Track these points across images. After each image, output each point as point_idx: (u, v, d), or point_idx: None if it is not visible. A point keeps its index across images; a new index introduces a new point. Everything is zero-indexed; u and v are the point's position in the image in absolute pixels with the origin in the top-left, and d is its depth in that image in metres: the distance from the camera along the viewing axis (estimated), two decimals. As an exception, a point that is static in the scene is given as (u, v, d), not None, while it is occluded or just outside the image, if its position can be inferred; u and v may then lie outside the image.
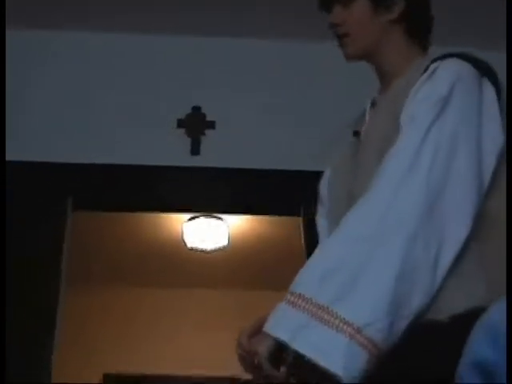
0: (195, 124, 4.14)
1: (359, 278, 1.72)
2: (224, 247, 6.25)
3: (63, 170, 3.97)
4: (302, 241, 3.99)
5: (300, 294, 1.74)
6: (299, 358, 1.71)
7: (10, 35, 4.00)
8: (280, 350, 1.75)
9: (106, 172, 4.00)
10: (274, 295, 5.84)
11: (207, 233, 6.08)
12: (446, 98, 1.87)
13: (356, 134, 2.19)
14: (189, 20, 4.13)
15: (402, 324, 1.72)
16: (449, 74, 1.92)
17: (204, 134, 4.13)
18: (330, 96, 4.13)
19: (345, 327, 1.66)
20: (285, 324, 1.74)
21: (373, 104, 2.20)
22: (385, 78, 2.18)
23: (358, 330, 1.66)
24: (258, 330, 1.85)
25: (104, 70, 4.21)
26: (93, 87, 4.17)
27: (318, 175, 3.81)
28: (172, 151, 4.08)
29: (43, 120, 4.06)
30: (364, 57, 2.20)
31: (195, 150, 4.11)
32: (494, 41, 3.41)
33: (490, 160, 1.88)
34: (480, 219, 1.84)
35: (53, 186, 3.97)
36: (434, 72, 1.94)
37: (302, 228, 4.03)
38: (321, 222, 2.44)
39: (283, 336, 1.72)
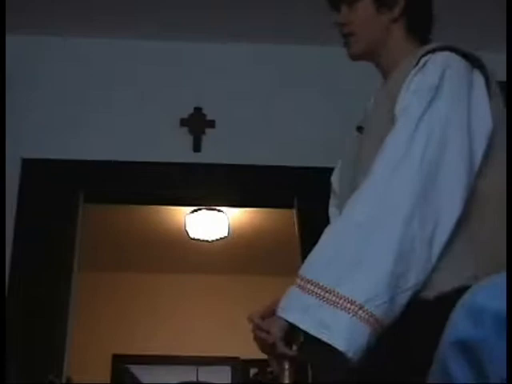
0: (197, 123, 4.13)
1: (360, 261, 1.74)
2: (224, 237, 6.24)
3: (75, 167, 3.97)
4: (296, 231, 4.00)
5: (308, 279, 1.76)
6: (309, 337, 1.73)
7: (27, 39, 4.07)
8: (292, 330, 1.77)
9: (114, 168, 4.01)
10: (270, 280, 5.92)
11: (209, 224, 6.06)
12: (436, 88, 1.88)
13: (359, 129, 2.18)
14: (190, 28, 4.10)
15: (402, 299, 1.73)
16: (439, 64, 1.92)
17: (205, 132, 4.12)
18: (323, 97, 4.12)
19: (348, 305, 1.69)
20: (294, 306, 1.77)
21: (375, 99, 2.19)
22: (387, 74, 2.16)
23: (360, 306, 1.68)
24: (271, 311, 1.86)
25: (113, 74, 4.20)
26: (103, 91, 4.15)
27: (309, 171, 3.88)
28: (175, 148, 4.07)
29: (57, 121, 4.05)
30: (367, 55, 2.18)
31: (197, 147, 4.10)
32: (494, 41, 3.33)
33: (480, 142, 1.88)
34: (471, 199, 1.85)
35: (66, 181, 3.98)
36: (424, 64, 1.94)
37: (295, 219, 4.04)
38: (332, 210, 2.39)
39: (293, 317, 1.75)
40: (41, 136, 4.02)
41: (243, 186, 4.14)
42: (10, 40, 3.66)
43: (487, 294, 1.13)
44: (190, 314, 7.20)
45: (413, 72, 1.94)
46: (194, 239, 6.22)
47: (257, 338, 1.87)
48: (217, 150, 4.08)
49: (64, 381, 3.42)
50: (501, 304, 1.09)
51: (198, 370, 8.83)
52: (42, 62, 4.19)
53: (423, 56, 1.96)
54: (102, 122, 4.08)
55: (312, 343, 1.73)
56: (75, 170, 3.99)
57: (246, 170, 4.04)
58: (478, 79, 1.95)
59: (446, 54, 1.96)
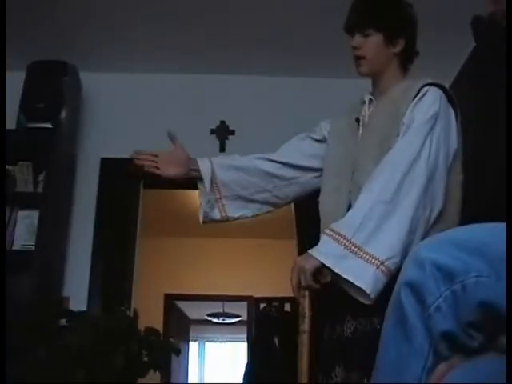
0: (222, 132, 4.13)
1: (383, 228, 1.74)
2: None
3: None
4: (292, 207, 3.95)
5: (342, 234, 1.75)
6: (335, 277, 1.73)
7: (111, 75, 4.09)
8: (321, 269, 1.75)
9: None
10: (272, 242, 5.88)
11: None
12: (437, 114, 1.88)
13: (357, 120, 2.11)
14: (214, 63, 4.09)
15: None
16: (437, 96, 1.92)
17: (228, 138, 4.13)
18: (315, 116, 4.12)
19: (373, 260, 1.70)
20: (331, 253, 1.74)
21: (371, 101, 2.11)
22: (379, 87, 2.11)
23: (382, 262, 1.69)
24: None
25: (163, 97, 4.22)
26: (155, 110, 4.17)
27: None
28: (206, 150, 3.93)
29: (124, 132, 4.07)
30: (371, 74, 2.12)
31: (222, 149, 4.10)
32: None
33: (451, 156, 1.91)
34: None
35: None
36: (425, 93, 1.92)
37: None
38: (299, 141, 2.37)
39: (330, 262, 1.73)
40: (114, 142, 4.03)
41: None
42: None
43: (428, 248, 1.13)
44: (218, 265, 7.22)
45: (417, 97, 1.93)
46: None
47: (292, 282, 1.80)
48: (236, 151, 4.02)
49: (132, 311, 3.46)
50: (436, 255, 1.10)
51: (223, 305, 8.89)
52: (112, 89, 4.20)
53: (424, 86, 1.95)
54: (155, 132, 4.08)
55: (336, 282, 1.74)
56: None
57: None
58: (451, 110, 1.96)
59: (438, 90, 1.95)
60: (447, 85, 2.04)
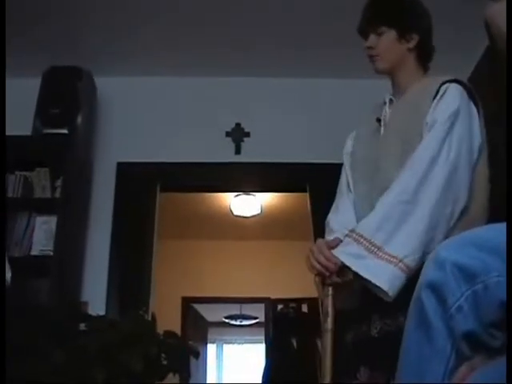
0: (237, 134, 4.13)
1: (402, 227, 1.75)
2: (258, 214, 6.22)
3: (154, 167, 3.99)
4: (308, 208, 3.99)
5: (362, 235, 1.77)
6: (356, 276, 1.75)
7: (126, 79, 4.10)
8: (342, 268, 1.78)
9: (180, 167, 4.00)
10: (289, 243, 5.90)
11: (246, 205, 6.06)
12: (456, 112, 1.87)
13: (378, 120, 2.10)
14: (229, 65, 4.10)
15: (427, 256, 1.74)
16: (457, 94, 1.91)
17: (243, 140, 4.12)
18: (324, 117, 4.13)
19: (392, 259, 1.71)
20: (350, 253, 1.77)
21: (391, 101, 2.10)
22: (398, 86, 2.10)
23: (401, 260, 1.71)
24: (334, 245, 1.85)
25: (181, 102, 4.22)
26: (173, 114, 4.18)
27: (316, 165, 3.88)
28: (223, 152, 4.08)
29: (141, 137, 4.09)
30: (387, 71, 2.11)
31: (238, 151, 4.10)
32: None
33: (475, 151, 1.90)
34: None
35: (147, 177, 4.00)
36: (445, 91, 1.91)
37: (308, 199, 4.02)
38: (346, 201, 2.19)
39: (348, 261, 1.76)
40: (129, 146, 4.05)
41: (270, 177, 4.14)
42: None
43: (448, 249, 1.13)
44: (235, 268, 7.22)
45: (438, 96, 1.92)
46: (236, 216, 6.23)
47: (316, 266, 1.84)
48: (251, 153, 4.09)
49: (150, 315, 3.46)
50: (457, 256, 1.10)
51: (241, 307, 8.88)
52: (127, 94, 4.21)
53: (443, 84, 1.94)
54: (171, 135, 4.11)
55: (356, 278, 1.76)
56: (154, 169, 4.00)
57: (273, 165, 4.03)
58: (472, 105, 1.94)
59: (458, 86, 1.93)
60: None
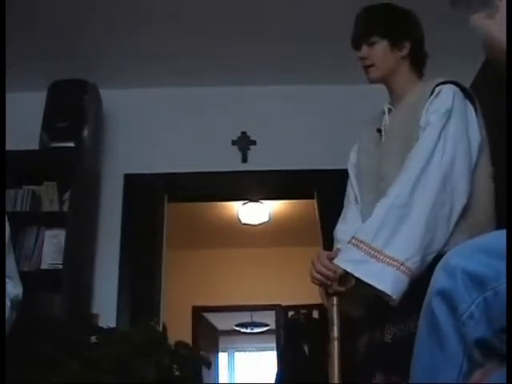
0: (243, 143, 4.13)
1: (400, 230, 1.76)
2: (265, 222, 6.21)
3: (161, 177, 4.00)
4: (316, 214, 3.99)
5: (362, 240, 1.78)
6: (359, 282, 1.75)
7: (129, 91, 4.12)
8: (345, 276, 1.79)
9: (187, 177, 4.01)
10: (298, 249, 5.88)
11: (254, 213, 6.06)
12: (449, 110, 1.88)
13: (378, 130, 2.12)
14: (234, 74, 4.11)
15: (429, 258, 1.74)
16: (450, 93, 1.92)
17: (249, 149, 4.12)
18: (330, 124, 4.13)
19: (393, 262, 1.71)
20: (350, 259, 1.78)
21: (390, 110, 2.13)
22: (395, 94, 2.12)
23: (402, 263, 1.71)
24: (334, 256, 1.86)
25: (185, 111, 4.22)
26: (177, 125, 4.18)
27: (323, 172, 3.88)
28: (229, 161, 4.08)
29: (147, 149, 4.09)
30: (382, 80, 2.13)
31: (244, 159, 4.10)
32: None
33: (474, 149, 1.90)
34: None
35: (155, 188, 4.02)
36: (439, 93, 1.93)
37: (315, 206, 4.03)
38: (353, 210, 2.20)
39: (348, 268, 1.77)
40: (136, 158, 4.06)
41: (277, 184, 4.14)
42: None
43: (457, 256, 1.13)
44: (244, 275, 7.21)
45: (431, 98, 1.94)
46: (244, 224, 6.23)
47: (317, 276, 1.86)
48: (258, 161, 4.09)
49: (161, 326, 3.46)
50: (466, 263, 1.09)
51: (251, 314, 8.87)
52: (133, 105, 4.22)
53: (437, 86, 1.95)
54: (177, 145, 4.11)
55: (360, 285, 1.76)
56: (161, 179, 4.01)
57: (279, 173, 4.03)
58: (469, 104, 1.95)
59: (452, 86, 1.95)
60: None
